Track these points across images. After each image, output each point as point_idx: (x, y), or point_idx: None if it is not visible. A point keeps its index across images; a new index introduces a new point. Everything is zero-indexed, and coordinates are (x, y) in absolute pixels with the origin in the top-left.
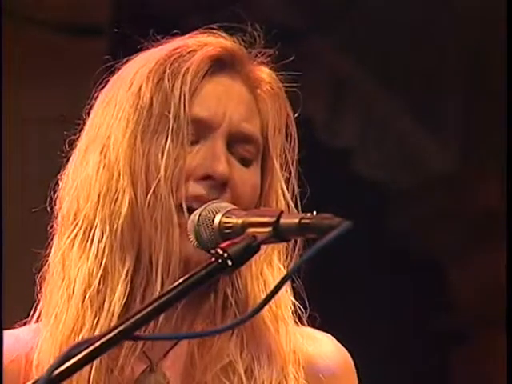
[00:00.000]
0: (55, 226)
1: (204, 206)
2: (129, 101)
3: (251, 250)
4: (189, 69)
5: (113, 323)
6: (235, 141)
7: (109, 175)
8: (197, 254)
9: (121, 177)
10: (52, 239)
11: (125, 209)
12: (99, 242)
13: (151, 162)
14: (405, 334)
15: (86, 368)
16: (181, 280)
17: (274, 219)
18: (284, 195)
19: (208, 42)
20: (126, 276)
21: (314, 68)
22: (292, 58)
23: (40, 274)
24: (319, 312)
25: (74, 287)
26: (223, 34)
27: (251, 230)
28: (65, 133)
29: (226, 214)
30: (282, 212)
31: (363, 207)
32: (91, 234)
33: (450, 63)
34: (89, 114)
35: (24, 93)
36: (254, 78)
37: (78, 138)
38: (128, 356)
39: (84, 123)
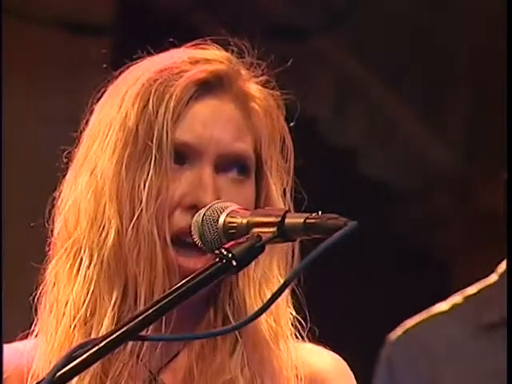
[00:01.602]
0: (52, 242)
1: (208, 206)
2: (116, 125)
3: (256, 250)
4: (172, 95)
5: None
6: (225, 161)
7: (96, 202)
8: None
9: (107, 206)
10: (49, 255)
11: (111, 239)
12: (87, 269)
13: (135, 193)
14: None
15: (85, 381)
16: (184, 281)
17: (278, 219)
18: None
19: (197, 61)
20: (113, 307)
21: (319, 68)
22: (297, 58)
23: (38, 289)
24: (321, 314)
25: (65, 310)
26: (214, 49)
27: (256, 230)
28: (61, 147)
29: (231, 213)
30: (287, 212)
31: (367, 207)
32: (79, 259)
33: (456, 63)
34: (84, 129)
35: (25, 92)
36: (244, 94)
37: (74, 153)
38: (128, 369)
39: (80, 138)
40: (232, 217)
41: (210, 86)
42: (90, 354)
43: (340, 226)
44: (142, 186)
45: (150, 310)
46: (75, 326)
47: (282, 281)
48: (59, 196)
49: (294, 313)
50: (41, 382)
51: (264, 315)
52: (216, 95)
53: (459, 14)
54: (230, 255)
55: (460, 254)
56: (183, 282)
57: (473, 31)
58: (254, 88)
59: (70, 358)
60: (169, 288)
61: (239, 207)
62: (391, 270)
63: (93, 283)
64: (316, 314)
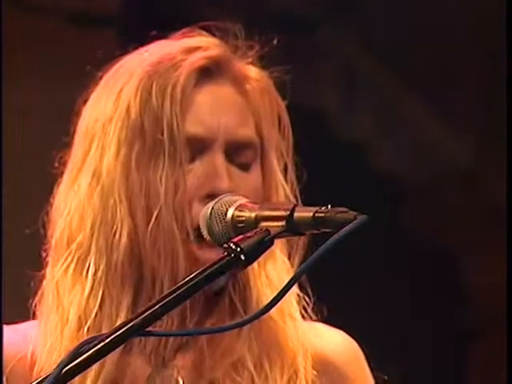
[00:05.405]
0: (48, 249)
1: (217, 200)
2: (117, 121)
3: (264, 244)
4: (176, 85)
5: None
6: (233, 149)
7: (103, 203)
8: None
9: (117, 206)
10: (46, 262)
11: (124, 241)
12: (94, 273)
13: (151, 189)
14: (418, 331)
15: (95, 365)
16: (192, 275)
17: (287, 213)
18: (284, 191)
19: (192, 49)
20: (128, 308)
21: (326, 60)
22: (304, 50)
23: (35, 297)
24: (332, 309)
25: (68, 317)
26: (208, 36)
27: (264, 223)
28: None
29: (239, 207)
30: (295, 205)
31: (377, 201)
32: (86, 264)
33: (467, 56)
34: (75, 130)
35: (27, 86)
36: (241, 77)
37: (68, 155)
38: (139, 356)
39: (72, 140)
40: (240, 210)
41: (209, 72)
42: (96, 350)
43: (350, 219)
44: (159, 181)
45: (157, 306)
46: (84, 330)
47: (285, 259)
48: (56, 200)
49: (301, 294)
50: (47, 377)
51: (270, 292)
52: (216, 81)
53: (472, 5)
54: (238, 249)
55: (473, 250)
56: (191, 276)
57: (486, 22)
58: (248, 69)
59: (75, 354)
60: None
61: (248, 201)
62: (401, 264)
63: (102, 288)
64: (325, 310)
